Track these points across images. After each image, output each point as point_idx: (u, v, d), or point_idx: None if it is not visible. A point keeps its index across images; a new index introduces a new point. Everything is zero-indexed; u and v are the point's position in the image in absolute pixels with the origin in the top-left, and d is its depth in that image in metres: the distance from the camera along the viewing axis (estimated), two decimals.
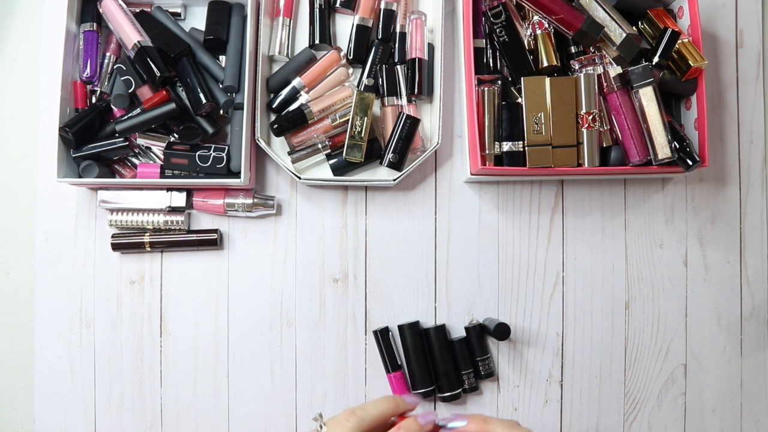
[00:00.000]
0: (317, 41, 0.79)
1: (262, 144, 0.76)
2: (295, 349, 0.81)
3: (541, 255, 0.82)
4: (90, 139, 0.76)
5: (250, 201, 0.78)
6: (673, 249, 0.84)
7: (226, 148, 0.76)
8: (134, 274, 0.80)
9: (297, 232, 0.81)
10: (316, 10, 0.80)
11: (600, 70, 0.76)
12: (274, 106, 0.80)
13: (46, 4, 0.82)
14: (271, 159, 0.80)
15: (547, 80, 0.75)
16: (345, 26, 0.82)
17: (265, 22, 0.78)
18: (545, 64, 0.77)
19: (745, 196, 0.85)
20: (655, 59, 0.75)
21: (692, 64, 0.75)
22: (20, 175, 0.82)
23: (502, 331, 0.76)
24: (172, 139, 0.78)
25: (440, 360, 0.78)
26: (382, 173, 0.80)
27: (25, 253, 0.81)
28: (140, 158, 0.79)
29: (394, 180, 0.78)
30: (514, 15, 0.79)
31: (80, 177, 0.76)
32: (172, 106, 0.74)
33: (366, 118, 0.75)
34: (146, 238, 0.78)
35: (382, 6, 0.80)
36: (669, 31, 0.75)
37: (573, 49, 0.78)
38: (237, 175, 0.76)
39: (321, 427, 0.49)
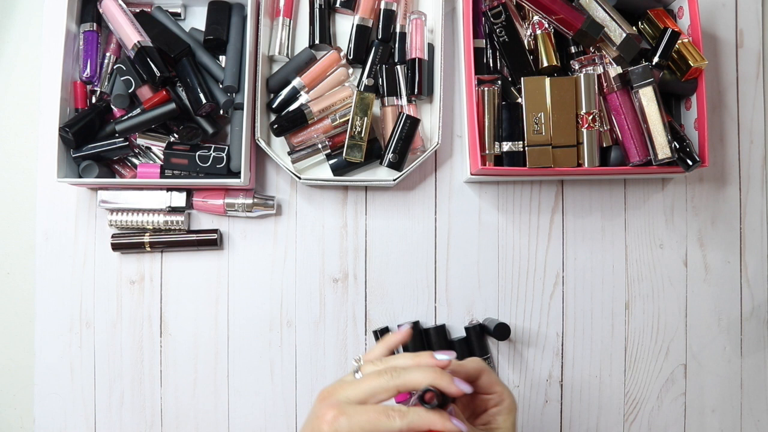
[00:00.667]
0: (317, 41, 0.79)
1: (262, 144, 0.76)
2: (295, 349, 0.81)
3: (541, 255, 0.82)
4: (90, 139, 0.76)
5: (250, 201, 0.78)
6: (673, 249, 0.84)
7: (226, 148, 0.76)
8: (134, 274, 0.80)
9: (297, 232, 0.81)
10: (316, 10, 0.80)
11: (600, 70, 0.76)
12: (274, 106, 0.80)
13: (46, 4, 0.82)
14: (271, 159, 0.80)
15: (547, 80, 0.75)
16: (345, 26, 0.82)
17: (265, 22, 0.78)
18: (545, 64, 0.77)
19: (745, 196, 0.85)
20: (655, 59, 0.75)
21: (692, 64, 0.75)
22: (20, 175, 0.82)
23: (502, 331, 0.76)
24: (172, 139, 0.78)
25: None
26: (382, 173, 0.80)
27: (25, 253, 0.81)
28: (140, 158, 0.79)
29: (394, 180, 0.78)
30: (514, 15, 0.79)
31: (80, 177, 0.76)
32: (172, 106, 0.74)
33: (366, 118, 0.75)
34: (146, 238, 0.78)
35: (382, 6, 0.80)
36: (669, 31, 0.75)
37: (573, 49, 0.78)
38: (237, 175, 0.76)
39: (357, 371, 0.50)
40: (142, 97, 0.76)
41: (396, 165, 0.76)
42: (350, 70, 0.80)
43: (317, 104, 0.77)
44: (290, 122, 0.77)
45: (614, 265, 0.83)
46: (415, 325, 0.79)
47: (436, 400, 0.46)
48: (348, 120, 0.76)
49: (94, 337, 0.80)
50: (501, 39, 0.77)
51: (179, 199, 0.78)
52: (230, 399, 0.80)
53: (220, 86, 0.77)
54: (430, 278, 0.82)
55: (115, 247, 0.79)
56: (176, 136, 0.77)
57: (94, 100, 0.79)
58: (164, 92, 0.75)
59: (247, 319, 0.80)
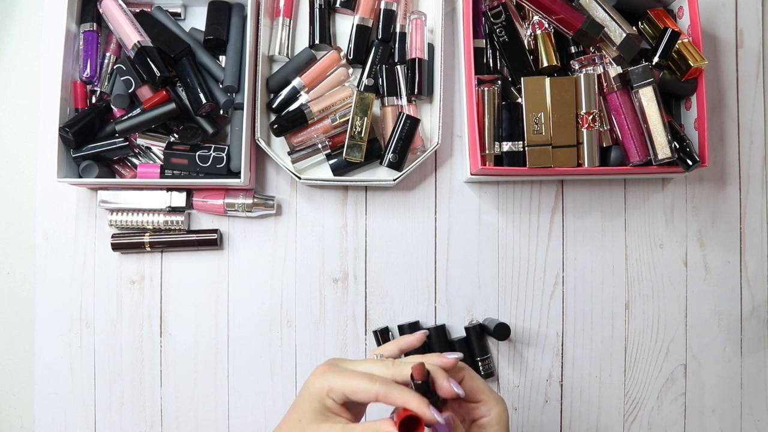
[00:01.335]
0: (317, 41, 0.79)
1: (262, 144, 0.76)
2: (295, 349, 0.81)
3: (541, 255, 0.82)
4: (90, 139, 0.76)
5: (250, 201, 0.78)
6: (673, 249, 0.84)
7: (226, 148, 0.76)
8: (134, 274, 0.80)
9: (297, 232, 0.81)
10: (316, 10, 0.80)
11: (600, 70, 0.76)
12: (274, 106, 0.80)
13: (46, 4, 0.82)
14: (271, 159, 0.80)
15: (547, 80, 0.75)
16: (345, 26, 0.82)
17: (265, 22, 0.78)
18: (545, 64, 0.77)
19: (745, 196, 0.85)
20: (655, 59, 0.75)
21: (692, 64, 0.75)
22: (20, 175, 0.82)
23: (502, 331, 0.76)
24: (172, 139, 0.78)
25: None
26: (382, 173, 0.80)
27: (25, 253, 0.81)
28: (140, 158, 0.79)
29: (394, 180, 0.78)
30: (514, 15, 0.79)
31: (80, 177, 0.76)
32: (172, 106, 0.74)
33: (366, 118, 0.75)
34: (146, 238, 0.78)
35: (382, 6, 0.80)
36: (669, 31, 0.75)
37: (573, 49, 0.78)
38: (237, 175, 0.76)
39: (378, 356, 0.53)
40: (142, 97, 0.76)
41: (396, 165, 0.76)
42: (350, 70, 0.80)
43: (317, 104, 0.77)
44: (290, 122, 0.77)
45: (614, 265, 0.83)
46: (415, 326, 0.79)
47: (423, 377, 0.47)
48: (348, 120, 0.76)
49: (94, 337, 0.80)
50: (501, 39, 0.77)
51: (179, 199, 0.78)
52: (230, 399, 0.80)
53: (220, 86, 0.77)
54: (430, 278, 0.82)
55: (115, 247, 0.79)
56: (176, 136, 0.77)
57: (94, 100, 0.78)
58: (164, 92, 0.75)
59: (247, 319, 0.80)
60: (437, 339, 0.79)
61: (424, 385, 0.48)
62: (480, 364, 0.79)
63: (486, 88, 0.76)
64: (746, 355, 0.84)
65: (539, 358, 0.82)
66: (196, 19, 0.81)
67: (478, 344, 0.79)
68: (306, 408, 0.49)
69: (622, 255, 0.83)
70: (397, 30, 0.80)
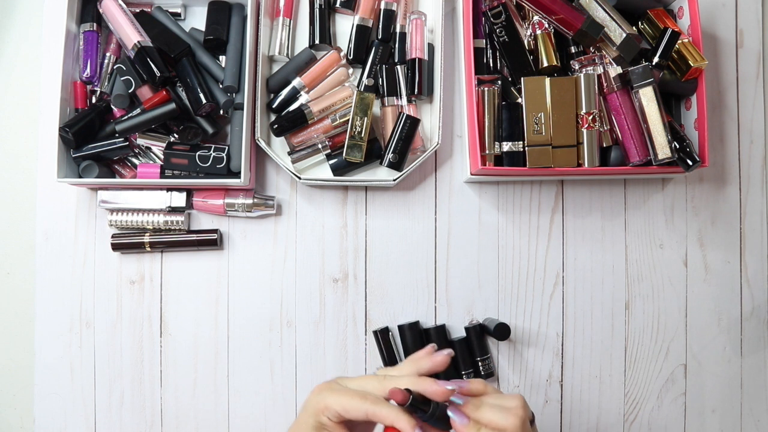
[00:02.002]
0: (317, 41, 0.79)
1: (262, 144, 0.76)
2: (295, 349, 0.81)
3: (541, 255, 0.82)
4: (90, 139, 0.76)
5: (250, 201, 0.78)
6: (673, 249, 0.84)
7: (226, 148, 0.76)
8: (134, 274, 0.80)
9: (297, 232, 0.81)
10: (316, 10, 0.80)
11: (600, 70, 0.76)
12: (274, 106, 0.80)
13: (46, 4, 0.82)
14: (271, 159, 0.80)
15: (547, 80, 0.75)
16: (345, 26, 0.82)
17: (265, 22, 0.78)
18: (545, 64, 0.77)
19: (745, 196, 0.85)
20: (655, 59, 0.75)
21: (692, 64, 0.75)
22: (20, 175, 0.82)
23: (502, 331, 0.76)
24: (172, 139, 0.78)
25: None
26: (382, 173, 0.80)
27: (25, 253, 0.81)
28: (140, 158, 0.79)
29: (394, 180, 0.78)
30: (514, 15, 0.79)
31: (80, 177, 0.76)
32: (172, 106, 0.74)
33: (366, 118, 0.75)
34: (146, 238, 0.78)
35: (382, 6, 0.80)
36: (669, 31, 0.75)
37: (573, 49, 0.78)
38: (237, 175, 0.76)
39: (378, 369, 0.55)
40: (142, 97, 0.76)
41: (396, 165, 0.76)
42: (350, 70, 0.80)
43: (317, 104, 0.77)
44: (290, 122, 0.77)
45: (614, 265, 0.83)
46: (415, 326, 0.79)
47: (410, 401, 0.48)
48: (348, 120, 0.76)
49: (94, 337, 0.80)
50: (501, 39, 0.77)
51: (179, 199, 0.78)
52: (230, 399, 0.80)
53: (220, 86, 0.77)
54: (430, 278, 0.82)
55: (115, 247, 0.79)
56: (176, 136, 0.77)
57: (94, 100, 0.79)
58: (164, 92, 0.75)
59: (247, 319, 0.80)
60: (437, 339, 0.79)
61: (420, 397, 0.48)
62: (480, 364, 0.79)
63: (486, 88, 0.76)
64: (746, 355, 0.84)
65: (539, 358, 0.82)
66: (196, 19, 0.81)
67: (478, 344, 0.79)
68: (302, 425, 0.50)
69: (622, 255, 0.83)
70: (397, 30, 0.80)
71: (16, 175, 0.82)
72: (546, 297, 0.82)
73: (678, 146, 0.74)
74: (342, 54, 0.80)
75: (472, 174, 0.78)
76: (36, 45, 0.83)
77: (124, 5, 0.76)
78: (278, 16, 0.80)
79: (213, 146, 0.76)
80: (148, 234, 0.78)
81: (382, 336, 0.79)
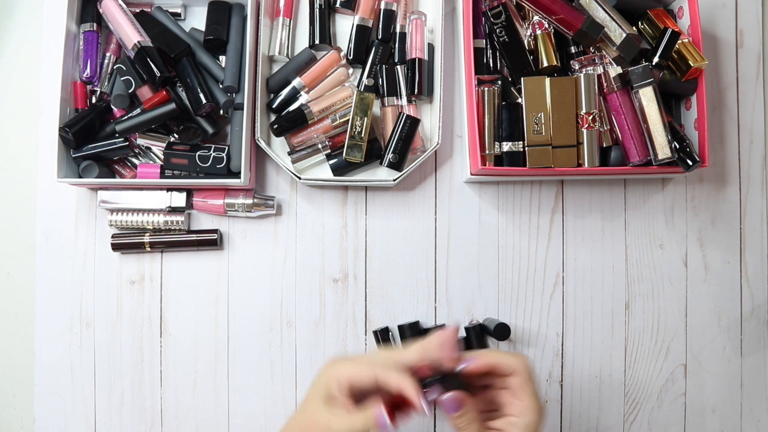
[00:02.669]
0: (317, 41, 0.79)
1: (262, 144, 0.76)
2: (295, 349, 0.81)
3: (541, 255, 0.82)
4: (90, 139, 0.76)
5: (250, 201, 0.78)
6: (673, 249, 0.84)
7: (226, 148, 0.76)
8: (134, 274, 0.80)
9: (297, 232, 0.81)
10: (316, 10, 0.80)
11: (600, 70, 0.76)
12: (274, 106, 0.80)
13: (46, 4, 0.82)
14: (271, 159, 0.80)
15: (547, 80, 0.75)
16: (345, 26, 0.82)
17: (265, 22, 0.78)
18: (545, 64, 0.77)
19: (745, 196, 0.85)
20: (655, 59, 0.75)
21: (692, 64, 0.75)
22: (20, 175, 0.82)
23: (502, 331, 0.76)
24: (172, 139, 0.78)
25: None
26: (382, 173, 0.80)
27: (25, 253, 0.81)
28: (140, 158, 0.79)
29: (394, 180, 0.78)
30: (514, 15, 0.79)
31: (80, 177, 0.76)
32: (172, 106, 0.74)
33: (366, 118, 0.75)
34: (146, 238, 0.78)
35: (382, 6, 0.80)
36: (669, 31, 0.75)
37: (573, 49, 0.78)
38: (237, 175, 0.76)
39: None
40: (142, 97, 0.76)
41: (396, 165, 0.76)
42: (350, 70, 0.80)
43: (317, 104, 0.77)
44: (290, 122, 0.77)
45: (614, 265, 0.83)
46: (415, 326, 0.79)
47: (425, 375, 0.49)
48: (348, 120, 0.76)
49: (94, 337, 0.80)
50: (501, 39, 0.77)
51: (179, 199, 0.78)
52: (230, 399, 0.80)
53: (220, 86, 0.77)
54: (430, 278, 0.82)
55: (115, 247, 0.79)
56: (176, 136, 0.77)
57: (94, 100, 0.79)
58: (164, 92, 0.75)
59: (247, 319, 0.80)
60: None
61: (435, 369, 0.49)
62: None
63: (486, 88, 0.76)
64: (746, 355, 0.84)
65: (539, 358, 0.82)
66: (196, 19, 0.81)
67: (478, 344, 0.79)
68: (312, 396, 0.51)
69: (622, 255, 0.83)
70: (397, 30, 0.80)
71: (16, 175, 0.82)
72: (546, 297, 0.82)
73: (678, 146, 0.74)
74: (342, 54, 0.80)
75: (472, 174, 0.78)
76: (36, 45, 0.83)
77: (124, 5, 0.76)
78: (278, 16, 0.80)
79: (213, 146, 0.76)
80: (148, 234, 0.79)
81: (382, 336, 0.79)
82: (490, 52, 0.79)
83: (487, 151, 0.76)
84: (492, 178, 0.81)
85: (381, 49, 0.79)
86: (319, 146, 0.78)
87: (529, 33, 0.78)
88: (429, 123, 0.81)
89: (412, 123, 0.75)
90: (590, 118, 0.74)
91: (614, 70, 0.75)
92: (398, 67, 0.79)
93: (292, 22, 0.81)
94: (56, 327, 0.80)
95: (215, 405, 0.80)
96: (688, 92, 0.79)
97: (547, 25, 0.77)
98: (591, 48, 0.77)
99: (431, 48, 0.81)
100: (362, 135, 0.75)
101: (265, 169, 0.82)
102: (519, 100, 0.76)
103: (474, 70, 0.76)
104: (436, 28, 0.80)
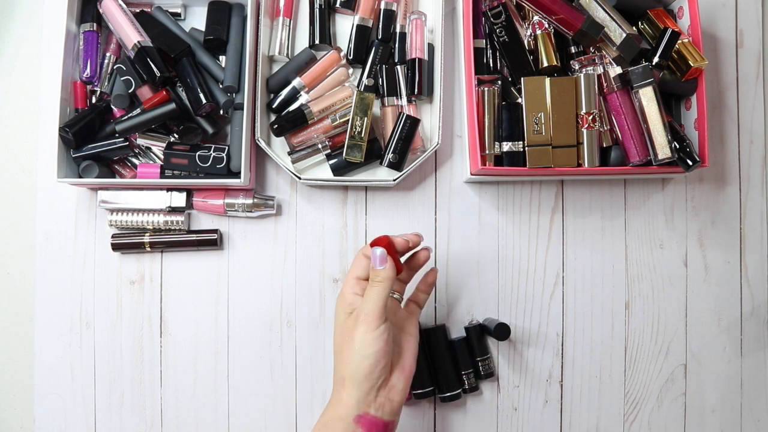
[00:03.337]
0: (317, 41, 0.79)
1: (262, 144, 0.76)
2: (295, 349, 0.81)
3: (541, 255, 0.82)
4: (90, 139, 0.76)
5: (250, 201, 0.78)
6: (673, 249, 0.84)
7: (226, 148, 0.76)
8: (134, 274, 0.80)
9: (297, 232, 0.81)
10: (316, 10, 0.80)
11: (600, 70, 0.76)
12: (274, 106, 0.80)
13: (46, 4, 0.82)
14: (271, 159, 0.80)
15: (547, 80, 0.75)
16: (345, 26, 0.82)
17: (265, 22, 0.78)
18: (545, 64, 0.77)
19: (745, 196, 0.85)
20: (655, 59, 0.75)
21: (692, 64, 0.75)
22: (20, 175, 0.82)
23: (502, 331, 0.76)
24: (172, 139, 0.78)
25: (440, 360, 0.78)
26: (382, 173, 0.80)
27: (25, 253, 0.81)
28: (140, 158, 0.79)
29: (394, 180, 0.78)
30: (514, 15, 0.79)
31: (80, 177, 0.76)
32: (172, 106, 0.74)
33: (366, 118, 0.75)
34: (146, 238, 0.78)
35: (382, 6, 0.80)
36: (669, 31, 0.75)
37: (573, 49, 0.78)
38: (237, 175, 0.76)
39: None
40: (142, 97, 0.76)
41: (396, 165, 0.76)
42: (350, 70, 0.80)
43: (317, 104, 0.77)
44: (290, 122, 0.77)
45: (614, 265, 0.83)
46: None
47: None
48: (348, 120, 0.76)
49: (94, 337, 0.80)
50: (501, 39, 0.77)
51: (179, 199, 0.78)
52: (230, 399, 0.80)
53: (220, 86, 0.77)
54: None
55: (115, 247, 0.79)
56: (176, 136, 0.77)
57: (94, 100, 0.79)
58: (164, 92, 0.75)
59: (247, 319, 0.80)
60: (437, 339, 0.79)
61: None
62: (480, 364, 0.79)
63: (486, 88, 0.76)
64: (746, 355, 0.84)
65: (539, 358, 0.82)
66: (196, 19, 0.81)
67: (478, 344, 0.79)
68: (338, 323, 0.63)
69: (622, 255, 0.83)
70: (397, 30, 0.80)
71: (16, 175, 0.82)
72: (546, 297, 0.82)
73: (678, 146, 0.74)
74: (342, 54, 0.80)
75: (472, 174, 0.78)
76: (36, 45, 0.83)
77: (124, 5, 0.76)
78: (278, 16, 0.80)
79: (213, 146, 0.76)
80: (148, 234, 0.79)
81: None
82: (490, 52, 0.79)
83: (487, 151, 0.76)
84: (492, 178, 0.81)
85: (381, 49, 0.79)
86: (319, 146, 0.78)
87: (529, 33, 0.78)
88: (429, 123, 0.81)
89: (412, 123, 0.75)
90: (590, 118, 0.74)
91: (614, 70, 0.75)
92: (398, 67, 0.79)
93: (292, 22, 0.81)
94: (56, 327, 0.80)
95: (215, 405, 0.80)
96: (688, 92, 0.79)
97: (547, 25, 0.77)
98: (591, 48, 0.77)
99: (431, 48, 0.81)
100: (362, 135, 0.75)
101: (265, 169, 0.82)
102: (519, 100, 0.76)
103: (474, 70, 0.76)
104: (436, 28, 0.80)
